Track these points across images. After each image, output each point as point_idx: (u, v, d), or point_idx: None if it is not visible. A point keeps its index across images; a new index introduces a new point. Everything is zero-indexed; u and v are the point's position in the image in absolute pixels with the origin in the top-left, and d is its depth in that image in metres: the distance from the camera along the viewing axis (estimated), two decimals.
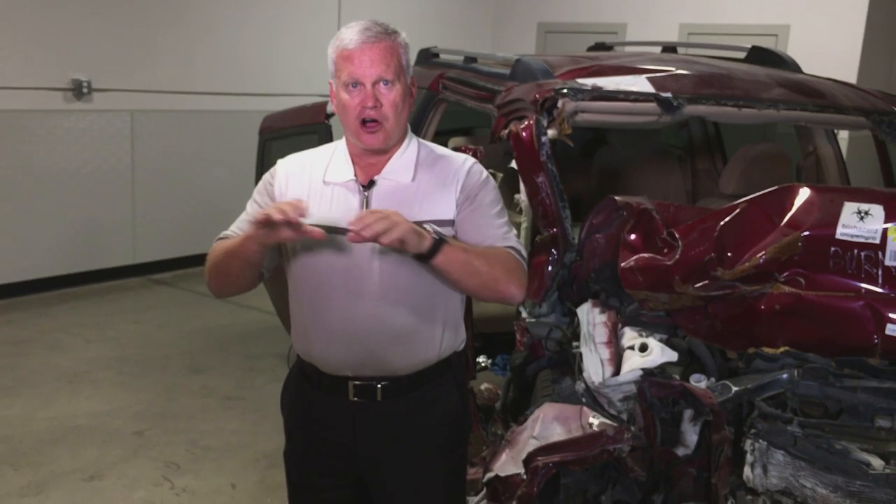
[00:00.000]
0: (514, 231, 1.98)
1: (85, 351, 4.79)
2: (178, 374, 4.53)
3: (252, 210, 1.98)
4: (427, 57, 4.18)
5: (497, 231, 1.91)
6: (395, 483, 2.00)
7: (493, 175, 2.77)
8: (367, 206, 1.86)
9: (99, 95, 5.93)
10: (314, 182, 1.92)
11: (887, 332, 1.98)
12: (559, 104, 2.54)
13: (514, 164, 2.56)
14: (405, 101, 1.87)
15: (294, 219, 1.67)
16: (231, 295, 2.03)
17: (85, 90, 5.82)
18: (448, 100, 3.51)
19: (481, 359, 3.26)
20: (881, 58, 7.00)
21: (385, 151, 1.89)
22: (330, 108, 4.01)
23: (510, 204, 2.73)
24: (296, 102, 4.68)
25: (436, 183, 1.91)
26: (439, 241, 1.75)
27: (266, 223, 1.70)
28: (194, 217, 6.51)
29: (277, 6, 6.86)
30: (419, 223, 1.77)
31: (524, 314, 2.40)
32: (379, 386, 1.92)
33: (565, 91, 2.59)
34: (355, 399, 1.93)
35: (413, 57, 1.97)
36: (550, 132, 2.51)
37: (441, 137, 3.84)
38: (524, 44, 8.48)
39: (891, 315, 1.98)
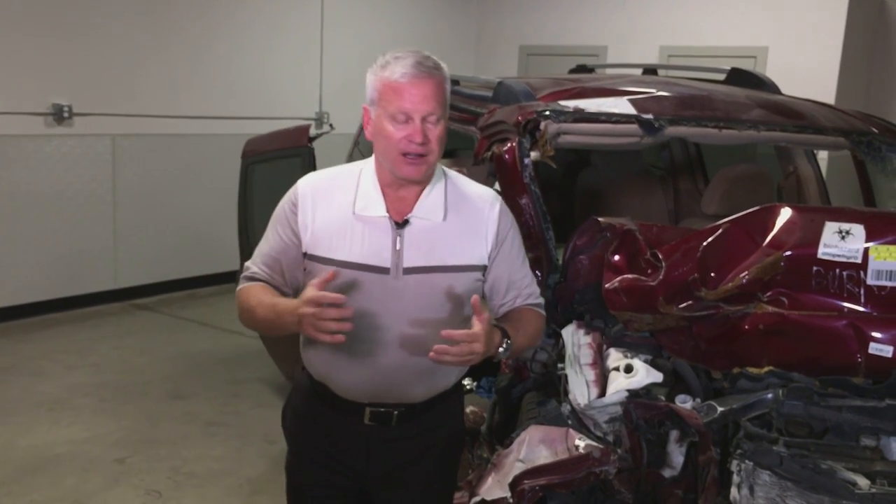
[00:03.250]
0: (533, 278, 2.05)
1: (66, 377, 4.73)
2: (159, 400, 4.48)
3: (275, 241, 1.94)
4: None
5: (524, 283, 2.01)
6: (401, 498, 2.03)
7: None
8: (401, 246, 1.85)
9: (80, 120, 5.90)
10: (344, 212, 1.88)
11: (870, 350, 1.98)
12: (541, 126, 2.56)
13: (497, 186, 2.56)
14: (446, 136, 1.87)
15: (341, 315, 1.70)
16: None
17: (66, 114, 5.79)
18: None
19: (466, 381, 3.24)
20: (858, 78, 7.09)
21: (417, 182, 1.87)
22: (314, 132, 4.02)
23: None
24: (279, 126, 4.68)
25: (466, 225, 1.92)
26: (506, 350, 1.86)
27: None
28: (176, 242, 6.48)
29: (260, 30, 6.87)
30: (451, 267, 1.87)
31: None
32: (395, 413, 1.95)
33: (547, 113, 2.60)
34: (370, 423, 1.95)
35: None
36: (533, 154, 2.52)
37: None
38: (506, 67, 8.54)
39: (873, 334, 1.99)
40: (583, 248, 2.32)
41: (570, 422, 2.18)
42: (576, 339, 2.20)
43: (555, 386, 2.32)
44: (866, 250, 2.05)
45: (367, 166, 1.93)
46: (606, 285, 2.19)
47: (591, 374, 2.12)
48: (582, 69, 4.48)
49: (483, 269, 1.94)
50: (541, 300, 2.05)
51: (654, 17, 7.66)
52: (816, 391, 1.95)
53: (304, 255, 1.91)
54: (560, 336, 2.29)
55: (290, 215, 1.91)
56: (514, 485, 2.10)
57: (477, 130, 2.86)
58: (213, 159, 6.51)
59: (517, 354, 1.98)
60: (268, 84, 6.84)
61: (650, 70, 4.10)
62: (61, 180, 5.86)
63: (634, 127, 2.66)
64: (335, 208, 1.88)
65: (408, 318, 1.86)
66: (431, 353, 1.73)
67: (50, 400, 4.38)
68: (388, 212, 1.87)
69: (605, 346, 2.19)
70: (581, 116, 2.64)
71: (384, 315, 1.86)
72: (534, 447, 2.17)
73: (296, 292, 1.91)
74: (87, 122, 5.95)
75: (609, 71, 4.78)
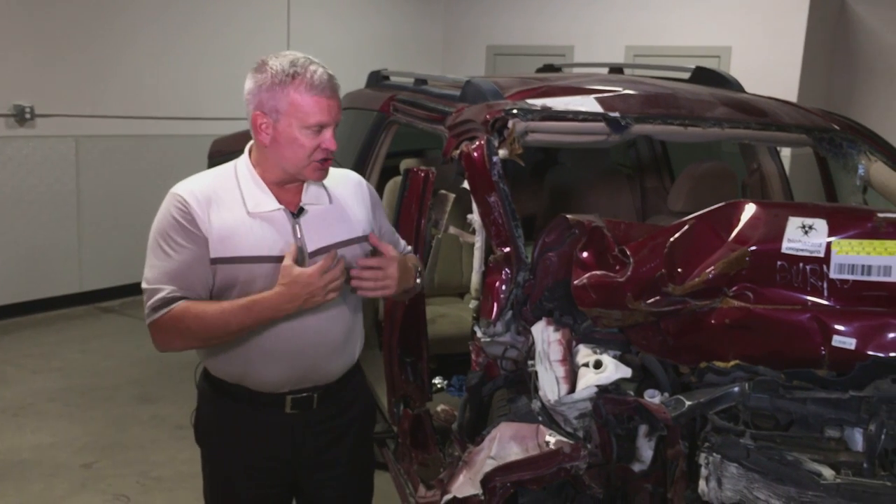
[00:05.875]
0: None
1: (30, 382, 4.66)
2: (127, 403, 4.43)
3: (180, 254, 1.88)
4: (377, 79, 4.19)
5: (394, 237, 2.28)
6: (329, 479, 2.14)
7: (446, 196, 2.79)
8: (301, 233, 1.96)
9: (42, 121, 5.81)
10: (237, 212, 1.93)
11: (834, 343, 2.01)
12: (509, 124, 2.56)
13: (466, 185, 2.56)
14: None
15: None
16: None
17: (28, 116, 5.71)
18: (399, 122, 3.51)
19: (437, 380, 3.25)
20: (820, 77, 7.20)
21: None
22: None
23: (463, 224, 2.73)
24: (245, 126, 4.64)
25: (349, 202, 2.09)
26: (420, 279, 2.11)
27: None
28: (142, 243, 6.30)
29: (225, 31, 6.82)
30: (351, 240, 2.03)
31: (479, 334, 2.40)
32: (315, 395, 2.04)
33: (515, 111, 2.60)
34: (292, 411, 2.03)
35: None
36: (501, 152, 2.52)
37: (393, 160, 3.84)
38: (474, 67, 8.55)
39: (836, 327, 2.01)
40: (552, 245, 2.33)
41: (540, 418, 2.18)
42: (545, 335, 2.21)
43: (525, 383, 2.32)
44: (829, 244, 2.07)
45: (240, 168, 1.99)
46: (575, 282, 2.19)
47: (560, 371, 2.12)
48: (549, 69, 4.49)
49: (366, 238, 2.10)
50: (411, 250, 2.36)
51: (620, 18, 7.72)
52: (782, 384, 1.97)
53: (212, 260, 1.90)
54: (530, 333, 2.30)
55: (186, 223, 1.89)
56: (486, 482, 2.11)
57: (445, 129, 2.86)
58: (179, 160, 6.45)
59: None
60: (233, 84, 6.75)
61: (616, 69, 4.13)
62: (24, 182, 5.77)
63: (601, 125, 2.67)
64: (227, 210, 1.92)
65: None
66: (352, 275, 1.92)
67: (14, 405, 4.32)
68: (281, 204, 1.97)
69: (574, 343, 2.20)
70: (549, 115, 2.65)
71: None
72: (505, 444, 2.17)
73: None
74: (50, 124, 5.86)
75: (576, 70, 4.80)
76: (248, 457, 2.06)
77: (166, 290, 1.87)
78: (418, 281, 2.13)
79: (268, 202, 1.96)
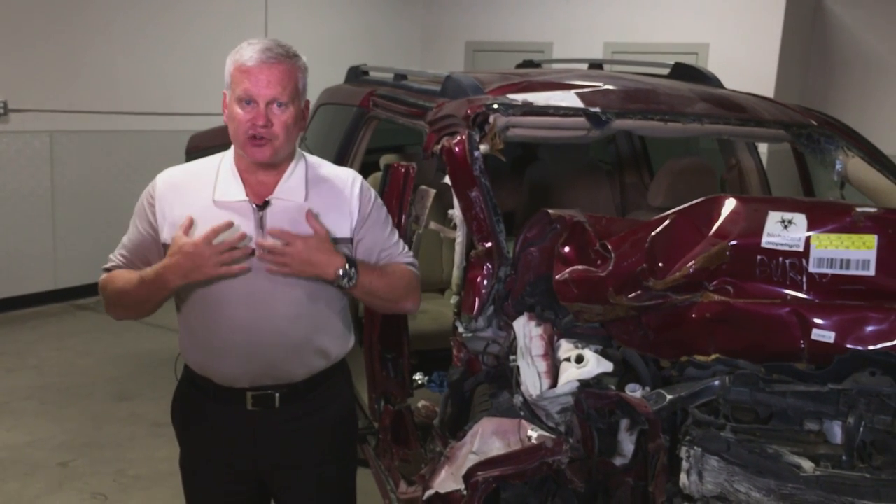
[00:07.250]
0: (404, 244, 2.13)
1: (5, 380, 4.60)
2: (103, 401, 4.39)
3: (134, 234, 1.98)
4: (357, 75, 4.17)
5: (395, 248, 2.09)
6: (296, 482, 2.07)
7: (426, 191, 2.78)
8: (263, 227, 1.89)
9: (16, 116, 5.74)
10: (203, 201, 1.90)
11: (813, 337, 2.02)
12: (490, 119, 2.56)
13: (447, 180, 2.55)
14: (297, 123, 1.90)
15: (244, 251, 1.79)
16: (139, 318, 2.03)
17: (1, 111, 5.63)
18: (379, 117, 3.50)
19: (418, 376, 3.24)
20: (796, 73, 7.26)
21: (273, 166, 1.92)
22: None
23: (444, 220, 2.73)
24: (222, 122, 4.61)
25: (328, 202, 1.97)
26: (345, 277, 1.86)
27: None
28: (118, 240, 6.27)
29: (202, 26, 6.76)
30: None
31: (460, 329, 2.39)
32: (277, 394, 1.98)
33: (496, 106, 2.60)
34: (253, 408, 1.98)
35: (313, 78, 2.02)
36: (483, 147, 2.52)
37: (373, 155, 3.83)
38: (453, 63, 8.54)
39: (816, 320, 2.03)
40: (533, 240, 2.33)
41: (522, 413, 2.18)
42: (527, 330, 2.21)
43: (507, 378, 2.32)
44: (808, 239, 2.09)
45: (227, 155, 1.98)
46: (557, 277, 2.20)
47: (542, 366, 2.13)
48: (529, 65, 4.50)
49: (349, 241, 1.99)
50: (414, 262, 2.13)
51: (598, 14, 7.75)
52: (762, 377, 1.98)
53: (165, 245, 1.92)
54: (512, 328, 2.30)
55: (148, 207, 1.95)
56: (468, 477, 2.10)
57: (426, 125, 2.85)
58: (155, 156, 6.36)
59: (368, 292, 1.97)
60: (209, 80, 6.72)
61: (596, 65, 4.13)
62: None
63: (582, 120, 2.67)
64: (194, 198, 1.91)
65: (279, 293, 1.90)
66: (256, 243, 1.83)
67: None
68: (247, 195, 1.91)
69: (556, 338, 2.20)
70: (529, 110, 2.64)
71: (256, 296, 1.89)
72: (487, 439, 2.17)
73: None
74: (24, 119, 5.79)
75: (556, 66, 4.80)
76: (213, 451, 2.05)
77: (113, 260, 2.00)
78: (340, 273, 1.86)
79: (236, 192, 1.91)
